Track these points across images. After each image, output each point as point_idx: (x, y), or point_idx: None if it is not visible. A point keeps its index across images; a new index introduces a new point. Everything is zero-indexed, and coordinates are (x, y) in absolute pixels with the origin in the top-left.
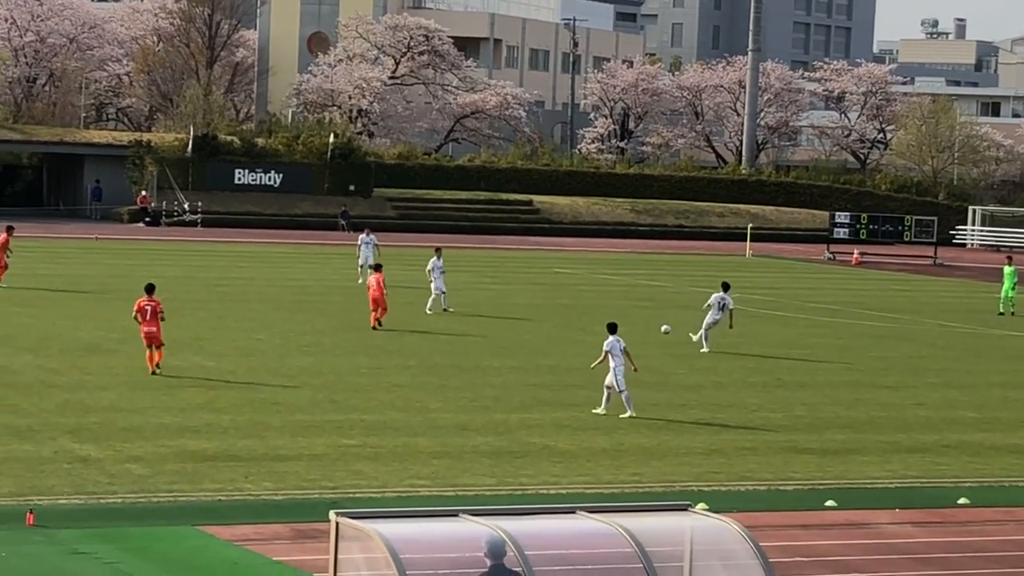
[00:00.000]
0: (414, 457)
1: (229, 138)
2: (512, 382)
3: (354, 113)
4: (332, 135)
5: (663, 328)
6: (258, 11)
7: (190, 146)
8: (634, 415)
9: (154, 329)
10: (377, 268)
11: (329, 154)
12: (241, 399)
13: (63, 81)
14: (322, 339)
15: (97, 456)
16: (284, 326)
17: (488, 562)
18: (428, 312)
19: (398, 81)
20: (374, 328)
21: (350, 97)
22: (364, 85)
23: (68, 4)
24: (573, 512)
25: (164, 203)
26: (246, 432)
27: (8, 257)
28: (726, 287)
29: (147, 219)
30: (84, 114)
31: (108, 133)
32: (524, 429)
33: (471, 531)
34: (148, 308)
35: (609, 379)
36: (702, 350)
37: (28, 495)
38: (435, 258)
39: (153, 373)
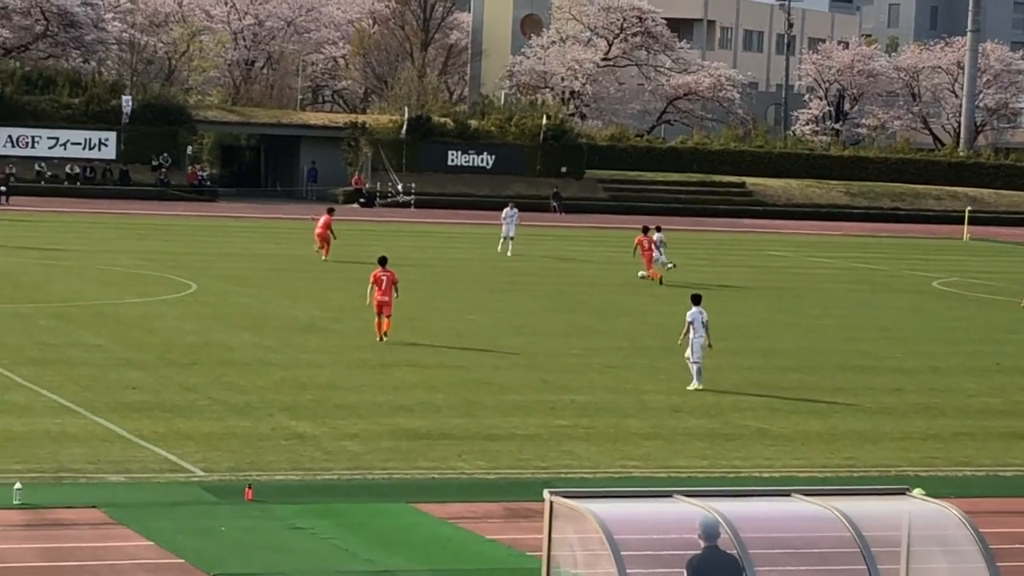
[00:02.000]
0: (626, 438)
1: (442, 120)
2: (724, 364)
3: (567, 95)
4: (544, 117)
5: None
6: None
7: (404, 128)
8: (700, 387)
9: (387, 298)
10: (330, 211)
11: (541, 136)
12: (454, 378)
13: (280, 63)
14: (533, 320)
15: (313, 433)
16: (496, 306)
17: (702, 544)
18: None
19: (611, 63)
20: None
21: (563, 79)
22: (577, 67)
23: None
24: (788, 495)
25: (378, 184)
26: (459, 411)
27: (333, 238)
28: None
29: (361, 200)
30: (301, 96)
31: (324, 115)
32: (736, 412)
33: (685, 512)
34: (384, 278)
35: (688, 352)
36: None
37: (247, 470)
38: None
39: (380, 339)
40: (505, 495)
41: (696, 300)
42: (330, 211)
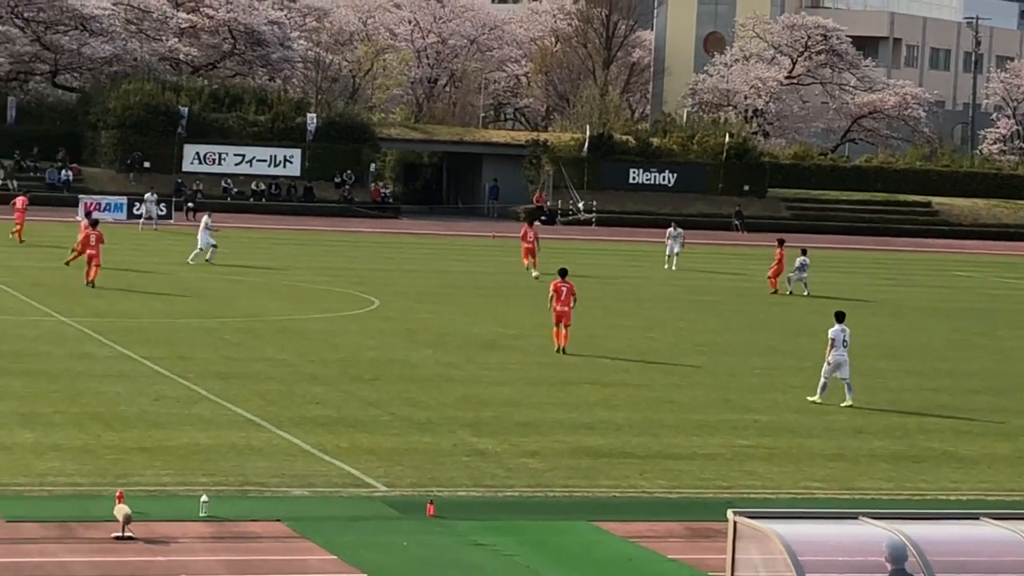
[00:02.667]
0: (809, 459)
1: (624, 138)
2: (909, 386)
3: (749, 113)
4: (727, 135)
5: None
6: (655, 11)
7: (586, 146)
8: (852, 404)
9: (566, 309)
10: (93, 224)
11: (724, 154)
12: (635, 397)
13: (463, 81)
14: (715, 338)
15: (495, 450)
16: (677, 325)
17: (889, 567)
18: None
19: (794, 81)
20: None
21: (746, 97)
22: (760, 85)
23: (469, 6)
24: (976, 518)
25: (559, 202)
26: (640, 430)
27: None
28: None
29: (542, 218)
30: (483, 114)
31: (506, 133)
32: (922, 433)
33: (871, 534)
34: (563, 289)
35: (825, 368)
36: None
37: (428, 486)
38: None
39: (558, 351)
40: (686, 514)
41: (839, 318)
42: (93, 224)
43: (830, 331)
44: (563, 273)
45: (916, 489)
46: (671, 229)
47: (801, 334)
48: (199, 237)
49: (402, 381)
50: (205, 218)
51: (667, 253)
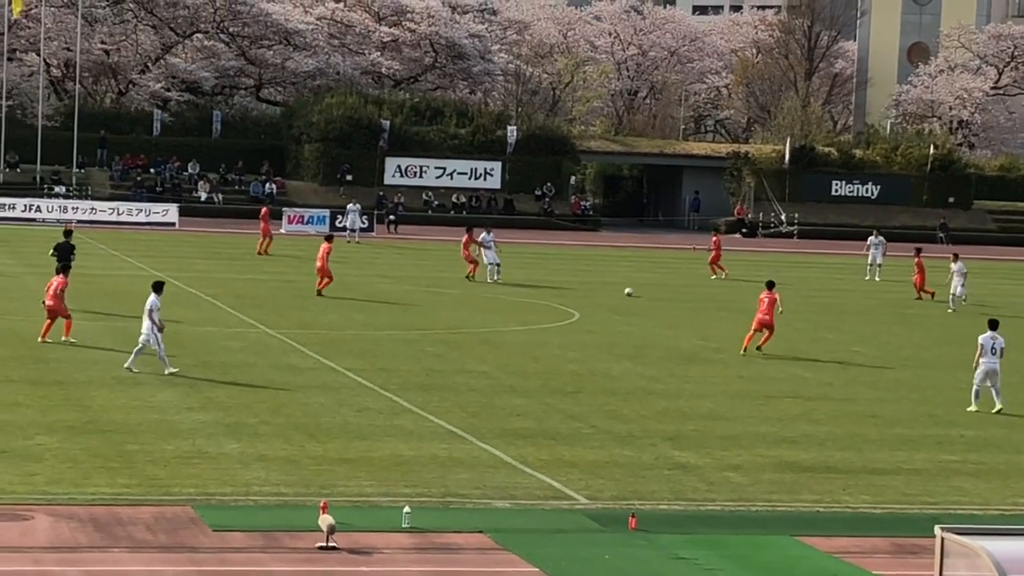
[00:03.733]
0: (1017, 474)
1: (826, 149)
2: None
3: (954, 124)
4: (932, 146)
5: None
6: (858, 22)
7: (787, 157)
8: (1002, 408)
9: (767, 317)
10: (328, 239)
11: (928, 166)
12: (838, 411)
13: (663, 93)
14: (921, 352)
15: (696, 463)
16: (881, 338)
17: None
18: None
19: (1000, 91)
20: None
21: (950, 108)
22: (965, 95)
23: (670, 18)
24: None
25: (760, 214)
26: (843, 444)
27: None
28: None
29: (744, 230)
30: (683, 126)
31: (706, 145)
32: None
33: None
34: (766, 300)
35: (976, 375)
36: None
37: (630, 499)
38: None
39: (743, 351)
40: (892, 530)
41: (992, 325)
42: (328, 238)
43: (980, 337)
44: (770, 285)
45: None
46: (872, 238)
47: (1009, 348)
48: (484, 255)
49: (603, 394)
50: (484, 235)
51: (868, 263)
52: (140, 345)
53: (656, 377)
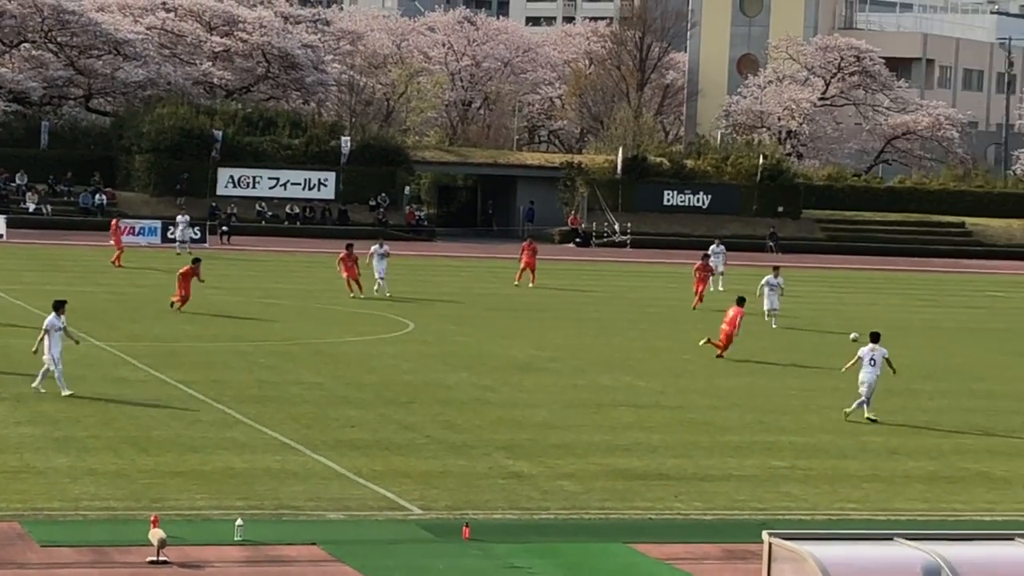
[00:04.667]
0: (844, 480)
1: (658, 160)
2: (944, 406)
3: (783, 134)
4: (761, 156)
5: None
6: (688, 34)
7: (620, 168)
8: (874, 419)
9: (730, 328)
10: (195, 261)
11: (758, 175)
12: (671, 419)
13: (497, 104)
14: (751, 360)
15: (530, 472)
16: (714, 349)
17: None
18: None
19: (828, 102)
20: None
21: (779, 118)
22: (794, 106)
23: (503, 29)
24: (1011, 539)
25: (594, 224)
26: (676, 451)
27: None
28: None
29: (577, 240)
30: (517, 136)
31: (540, 155)
32: (957, 454)
33: (906, 556)
34: (731, 312)
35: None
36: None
37: (464, 509)
38: (770, 275)
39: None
40: (722, 536)
41: (874, 338)
42: (195, 261)
43: (860, 350)
44: (740, 302)
45: (951, 510)
46: (713, 247)
47: (835, 355)
48: (376, 268)
49: (437, 404)
50: (376, 247)
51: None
52: (46, 367)
53: (491, 387)
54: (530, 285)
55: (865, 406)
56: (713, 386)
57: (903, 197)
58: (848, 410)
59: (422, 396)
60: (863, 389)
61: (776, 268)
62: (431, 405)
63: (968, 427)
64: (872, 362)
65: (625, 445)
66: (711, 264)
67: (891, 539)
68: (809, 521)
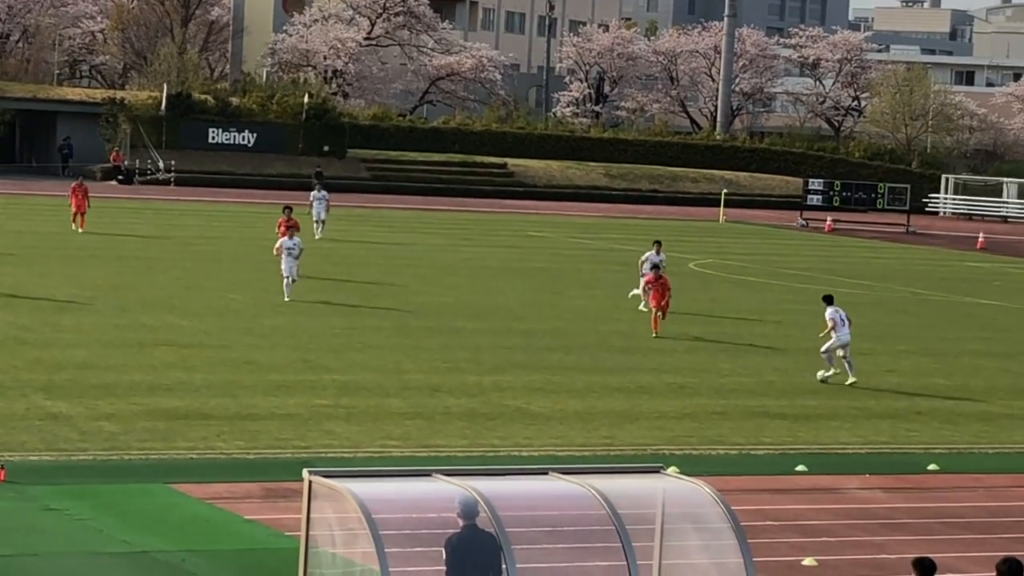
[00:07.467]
0: (386, 418)
1: (203, 97)
2: (485, 344)
3: (329, 74)
4: (307, 95)
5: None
6: None
7: (164, 104)
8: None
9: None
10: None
11: (304, 114)
12: (214, 358)
13: (36, 37)
14: (297, 299)
15: (68, 413)
16: (258, 286)
17: (461, 522)
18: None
19: (373, 42)
20: None
21: (325, 58)
22: (339, 46)
23: None
24: (545, 473)
25: (137, 161)
26: (219, 391)
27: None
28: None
29: (120, 177)
30: (57, 71)
31: (81, 90)
32: (497, 391)
33: (444, 491)
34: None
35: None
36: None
37: None
38: (652, 252)
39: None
40: (264, 475)
41: (829, 300)
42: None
43: (827, 313)
44: (656, 268)
45: (490, 446)
46: (315, 192)
47: (382, 295)
48: (312, 210)
49: None
50: (315, 192)
51: (313, 219)
52: None
53: (28, 326)
54: (80, 231)
55: (848, 369)
56: (257, 325)
57: (447, 137)
58: (848, 381)
59: None
60: (841, 351)
61: (658, 243)
62: None
63: (508, 365)
64: (843, 321)
65: (167, 385)
66: (315, 210)
67: (430, 475)
68: (351, 459)
